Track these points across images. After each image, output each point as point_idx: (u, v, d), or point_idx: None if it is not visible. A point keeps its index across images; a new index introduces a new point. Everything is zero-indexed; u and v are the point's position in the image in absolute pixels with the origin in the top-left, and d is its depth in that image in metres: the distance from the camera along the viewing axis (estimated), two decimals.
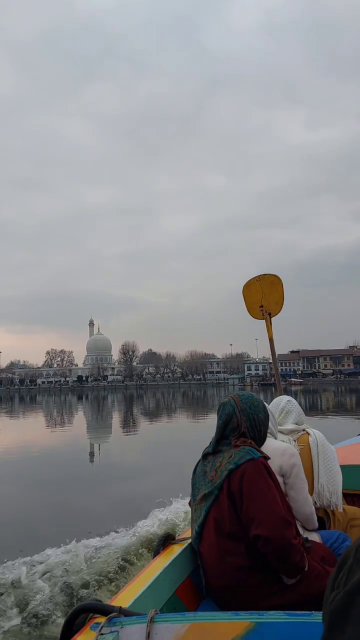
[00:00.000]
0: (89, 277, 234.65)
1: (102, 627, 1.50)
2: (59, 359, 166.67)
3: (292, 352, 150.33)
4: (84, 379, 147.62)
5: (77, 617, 1.60)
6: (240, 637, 1.39)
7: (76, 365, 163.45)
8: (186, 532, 2.58)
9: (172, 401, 51.23)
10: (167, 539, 2.43)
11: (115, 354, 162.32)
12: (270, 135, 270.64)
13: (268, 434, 2.50)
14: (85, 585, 3.96)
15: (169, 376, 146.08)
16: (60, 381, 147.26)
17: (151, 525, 5.10)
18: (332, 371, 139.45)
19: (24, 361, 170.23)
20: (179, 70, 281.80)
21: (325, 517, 2.94)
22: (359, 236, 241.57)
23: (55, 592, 3.80)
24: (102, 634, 1.48)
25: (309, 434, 3.07)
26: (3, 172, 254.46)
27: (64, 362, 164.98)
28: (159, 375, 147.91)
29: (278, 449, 2.48)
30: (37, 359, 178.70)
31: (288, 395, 3.48)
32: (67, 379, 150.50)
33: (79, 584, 3.96)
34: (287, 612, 1.48)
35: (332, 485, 2.91)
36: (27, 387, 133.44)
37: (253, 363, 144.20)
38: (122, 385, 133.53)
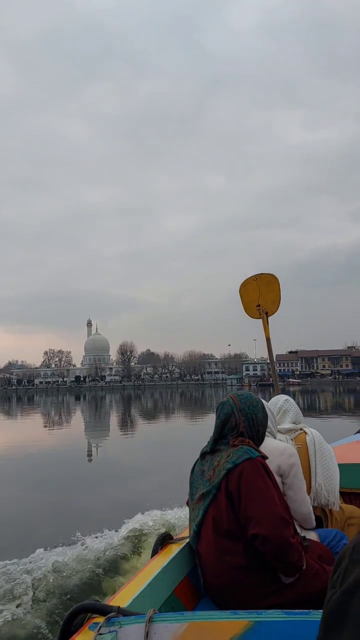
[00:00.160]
0: (89, 277, 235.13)
1: (100, 627, 1.49)
2: (57, 359, 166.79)
3: (290, 352, 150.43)
4: (82, 379, 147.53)
5: (75, 618, 1.59)
6: (239, 636, 1.39)
7: (74, 365, 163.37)
8: (184, 532, 2.57)
9: (170, 401, 51.23)
10: (165, 539, 2.43)
11: (113, 354, 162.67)
12: (269, 136, 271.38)
13: (268, 433, 2.51)
14: (83, 585, 3.95)
15: (167, 376, 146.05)
16: (57, 381, 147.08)
17: (149, 524, 5.09)
18: (330, 372, 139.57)
19: (22, 361, 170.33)
20: (178, 71, 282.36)
21: (322, 516, 2.95)
22: (358, 236, 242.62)
23: (52, 592, 3.79)
24: (100, 634, 1.47)
25: (306, 433, 3.08)
26: (3, 172, 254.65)
27: (62, 363, 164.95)
28: (157, 376, 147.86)
29: (277, 448, 2.48)
30: (35, 359, 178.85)
31: (287, 395, 3.48)
32: (65, 379, 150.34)
33: (77, 584, 3.95)
34: (286, 611, 1.48)
35: (329, 484, 2.91)
36: (25, 388, 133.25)
37: (251, 363, 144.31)
38: (120, 385, 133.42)
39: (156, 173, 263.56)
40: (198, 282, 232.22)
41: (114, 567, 4.27)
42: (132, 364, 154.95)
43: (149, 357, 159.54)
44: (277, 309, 5.34)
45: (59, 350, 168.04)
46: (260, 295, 5.30)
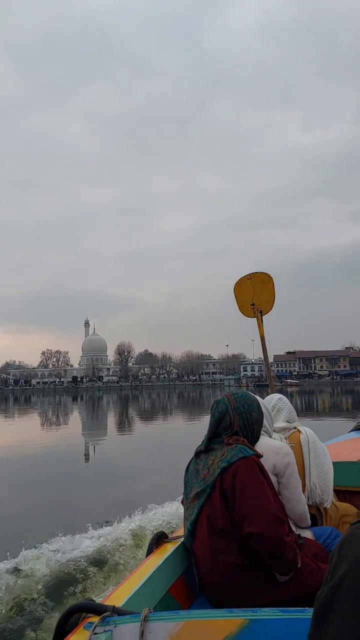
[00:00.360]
0: (87, 277, 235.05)
1: (95, 627, 1.48)
2: (54, 359, 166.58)
3: (288, 353, 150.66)
4: (79, 379, 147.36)
5: (70, 617, 1.58)
6: (234, 635, 1.39)
7: (71, 365, 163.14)
8: (179, 531, 2.56)
9: (167, 402, 51.22)
10: (160, 538, 2.42)
11: (111, 355, 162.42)
12: (268, 136, 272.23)
13: (263, 432, 2.49)
14: (78, 585, 3.93)
15: (164, 377, 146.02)
16: (54, 382, 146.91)
17: (143, 523, 5.09)
18: (328, 372, 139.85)
19: (20, 361, 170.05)
20: (177, 71, 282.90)
21: (317, 514, 2.95)
22: (356, 237, 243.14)
23: (47, 592, 3.76)
24: (95, 634, 1.46)
25: (300, 431, 3.07)
26: (2, 171, 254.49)
27: (60, 363, 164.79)
28: (154, 376, 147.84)
29: (272, 447, 2.47)
30: (33, 360, 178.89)
31: (285, 396, 3.45)
32: (62, 379, 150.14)
33: (71, 583, 3.92)
34: (281, 609, 1.47)
35: (323, 482, 2.91)
36: (22, 388, 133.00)
37: (249, 364, 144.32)
38: (117, 386, 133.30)
39: (155, 173, 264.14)
40: (196, 283, 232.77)
41: (108, 567, 4.24)
42: (130, 364, 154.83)
43: (146, 357, 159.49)
44: (271, 308, 5.36)
45: (57, 351, 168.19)
46: (255, 294, 5.31)
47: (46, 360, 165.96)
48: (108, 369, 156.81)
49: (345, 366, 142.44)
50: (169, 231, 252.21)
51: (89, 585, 3.96)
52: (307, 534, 2.49)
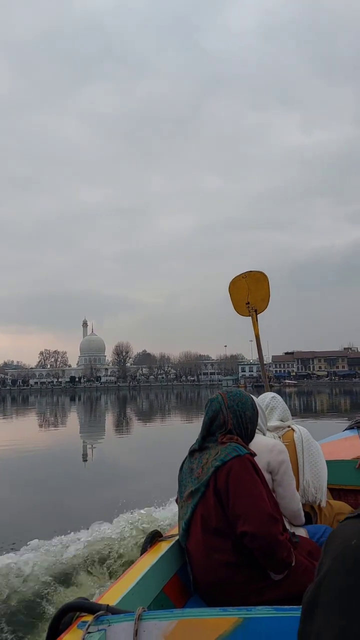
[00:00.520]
0: (85, 277, 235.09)
1: (89, 626, 1.47)
2: (52, 359, 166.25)
3: (286, 353, 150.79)
4: (77, 379, 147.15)
5: (64, 616, 1.57)
6: (229, 633, 1.38)
7: (69, 366, 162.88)
8: (173, 529, 2.55)
9: (165, 402, 51.14)
10: (154, 536, 2.41)
11: (109, 355, 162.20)
12: (267, 137, 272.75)
13: (257, 430, 2.49)
14: (71, 583, 3.90)
15: (162, 377, 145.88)
16: (52, 382, 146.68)
17: (138, 522, 5.08)
18: (326, 373, 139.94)
19: (18, 362, 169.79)
20: (177, 71, 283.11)
21: (311, 512, 2.96)
22: (354, 238, 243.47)
23: (40, 591, 3.73)
24: (89, 633, 1.45)
25: (293, 430, 3.07)
26: (1, 171, 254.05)
27: (58, 363, 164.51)
28: (152, 377, 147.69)
29: (267, 445, 2.47)
30: (31, 360, 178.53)
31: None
32: (60, 379, 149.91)
33: (65, 582, 3.90)
34: (275, 607, 1.46)
35: (317, 481, 2.91)
36: (19, 388, 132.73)
37: (247, 364, 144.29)
38: (115, 386, 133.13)
39: (154, 173, 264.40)
40: (195, 283, 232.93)
41: (102, 565, 4.22)
42: (128, 364, 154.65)
43: (145, 357, 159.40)
44: (266, 307, 5.36)
45: (55, 351, 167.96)
46: (250, 293, 5.31)
47: (44, 360, 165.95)
48: (106, 369, 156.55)
49: (343, 367, 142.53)
50: (168, 231, 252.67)
51: (82, 584, 3.94)
52: (302, 532, 2.49)
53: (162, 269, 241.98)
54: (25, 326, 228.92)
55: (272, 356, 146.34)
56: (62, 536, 4.85)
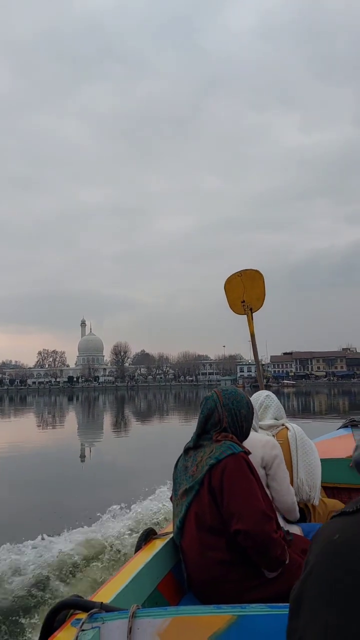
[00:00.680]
0: (85, 277, 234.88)
1: (83, 623, 1.47)
2: (50, 359, 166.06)
3: (285, 353, 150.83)
4: (75, 379, 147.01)
5: (58, 614, 1.56)
6: (223, 631, 1.39)
7: (68, 366, 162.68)
8: (168, 527, 2.56)
9: (163, 402, 51.09)
10: (148, 534, 2.41)
11: (108, 355, 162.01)
12: (266, 137, 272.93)
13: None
14: (65, 581, 3.90)
15: (161, 377, 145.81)
16: (50, 382, 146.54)
17: (132, 520, 5.10)
18: (325, 373, 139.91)
19: (17, 361, 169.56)
20: (177, 71, 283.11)
21: (305, 511, 2.96)
22: (353, 239, 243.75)
23: (34, 589, 3.73)
24: (83, 630, 1.45)
25: (288, 428, 3.08)
26: (1, 171, 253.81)
27: (56, 363, 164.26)
28: (150, 377, 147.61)
29: (260, 441, 2.51)
30: (30, 360, 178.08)
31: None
32: (58, 379, 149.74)
33: (59, 580, 3.89)
34: (269, 605, 1.46)
35: (311, 479, 2.92)
36: (16, 388, 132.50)
37: (246, 365, 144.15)
38: (113, 386, 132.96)
39: (153, 173, 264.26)
40: (194, 283, 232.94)
41: (96, 563, 4.22)
42: (127, 364, 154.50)
43: (143, 357, 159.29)
44: (261, 305, 5.37)
45: (53, 351, 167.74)
46: (245, 291, 5.32)
47: (42, 360, 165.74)
48: (104, 369, 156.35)
49: (342, 367, 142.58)
50: (168, 231, 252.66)
51: (76, 581, 3.94)
52: (296, 530, 2.50)
53: (161, 269, 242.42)
54: (24, 326, 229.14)
55: (271, 356, 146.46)
56: (57, 534, 4.84)
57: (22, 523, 6.59)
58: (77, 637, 1.43)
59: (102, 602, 1.58)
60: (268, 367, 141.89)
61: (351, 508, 0.76)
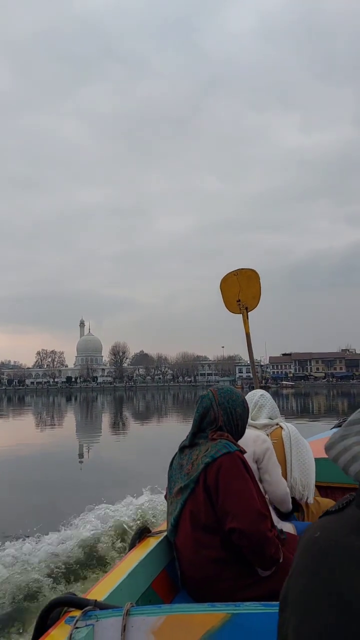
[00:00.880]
0: (83, 277, 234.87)
1: (77, 621, 1.47)
2: (49, 359, 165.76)
3: (284, 354, 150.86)
4: (73, 380, 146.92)
5: (52, 611, 1.56)
6: (216, 629, 1.39)
7: (66, 366, 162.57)
8: (162, 525, 2.56)
9: (162, 403, 51.06)
10: (142, 532, 2.41)
11: (106, 355, 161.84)
12: (266, 138, 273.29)
13: None
14: (59, 579, 3.89)
15: (159, 378, 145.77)
16: (49, 382, 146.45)
17: (126, 518, 5.08)
18: (324, 374, 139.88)
19: (15, 361, 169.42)
20: (177, 72, 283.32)
21: (299, 509, 2.97)
22: (353, 240, 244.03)
23: (28, 586, 3.71)
24: (77, 628, 1.45)
25: (282, 428, 3.09)
26: (0, 171, 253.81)
27: (55, 363, 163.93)
28: (149, 377, 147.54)
29: (251, 436, 2.56)
30: (29, 360, 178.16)
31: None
32: (56, 379, 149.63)
33: (53, 578, 3.88)
34: (263, 603, 1.47)
35: (305, 478, 2.93)
36: (14, 388, 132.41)
37: (244, 365, 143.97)
38: (111, 386, 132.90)
39: (153, 174, 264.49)
40: (194, 284, 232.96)
41: (90, 561, 4.21)
42: (125, 365, 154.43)
43: (142, 358, 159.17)
44: (257, 304, 5.37)
45: (52, 351, 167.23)
46: (241, 290, 5.32)
47: (41, 360, 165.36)
48: (103, 369, 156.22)
49: (341, 368, 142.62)
50: (167, 232, 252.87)
51: (71, 579, 3.93)
52: (290, 528, 2.51)
53: (160, 270, 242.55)
54: (23, 326, 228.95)
55: (270, 357, 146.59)
56: (50, 533, 4.82)
57: (17, 522, 6.55)
58: (71, 635, 1.42)
59: (96, 600, 1.57)
60: (267, 368, 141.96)
61: (335, 507, 0.76)
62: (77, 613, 1.51)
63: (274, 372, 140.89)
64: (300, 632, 0.64)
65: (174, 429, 21.72)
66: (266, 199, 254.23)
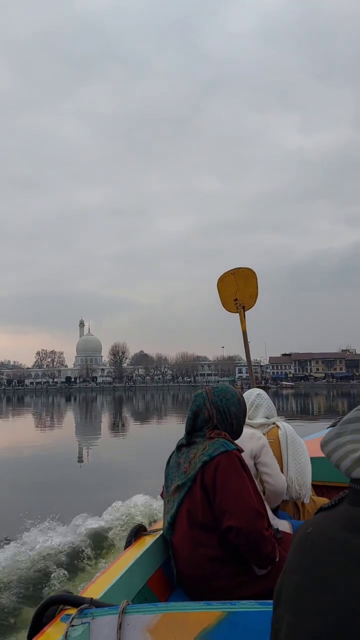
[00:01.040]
0: (83, 277, 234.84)
1: (73, 619, 1.47)
2: (49, 359, 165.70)
3: (284, 355, 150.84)
4: (73, 380, 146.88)
5: (47, 609, 1.56)
6: (212, 627, 1.39)
7: (66, 366, 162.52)
8: (158, 524, 2.56)
9: (161, 403, 51.04)
10: (138, 530, 2.41)
11: (106, 355, 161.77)
12: (266, 139, 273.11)
13: None
14: (55, 577, 3.89)
15: (159, 378, 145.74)
16: (48, 382, 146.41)
17: (123, 516, 5.09)
18: (324, 375, 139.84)
19: (15, 361, 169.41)
20: (176, 72, 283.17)
21: (295, 509, 2.98)
22: (352, 240, 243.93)
23: (24, 584, 3.72)
24: (72, 626, 1.45)
25: (278, 427, 3.09)
26: (0, 171, 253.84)
27: (54, 363, 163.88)
28: (148, 377, 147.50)
29: (246, 434, 2.55)
30: (28, 360, 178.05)
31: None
32: (56, 380, 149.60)
33: (49, 575, 3.88)
34: (259, 602, 1.47)
35: (301, 477, 2.93)
36: (14, 388, 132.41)
37: (244, 365, 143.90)
38: (111, 387, 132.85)
39: (152, 174, 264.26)
40: (193, 284, 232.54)
41: (86, 559, 4.21)
42: (125, 365, 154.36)
43: (141, 358, 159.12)
44: (254, 304, 5.36)
45: (52, 351, 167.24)
46: (238, 289, 5.31)
47: (41, 360, 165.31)
48: (102, 369, 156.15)
49: (341, 369, 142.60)
50: (167, 232, 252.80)
51: (66, 577, 3.93)
52: (286, 527, 2.50)
53: (160, 270, 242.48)
54: (22, 326, 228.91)
55: (270, 357, 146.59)
56: (48, 532, 4.83)
57: (16, 522, 6.55)
58: (66, 633, 1.42)
59: (92, 598, 1.57)
60: (267, 368, 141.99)
61: (328, 504, 0.77)
62: (73, 611, 1.51)
63: (274, 373, 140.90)
64: (295, 631, 0.64)
65: (173, 430, 21.71)
66: (266, 200, 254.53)
